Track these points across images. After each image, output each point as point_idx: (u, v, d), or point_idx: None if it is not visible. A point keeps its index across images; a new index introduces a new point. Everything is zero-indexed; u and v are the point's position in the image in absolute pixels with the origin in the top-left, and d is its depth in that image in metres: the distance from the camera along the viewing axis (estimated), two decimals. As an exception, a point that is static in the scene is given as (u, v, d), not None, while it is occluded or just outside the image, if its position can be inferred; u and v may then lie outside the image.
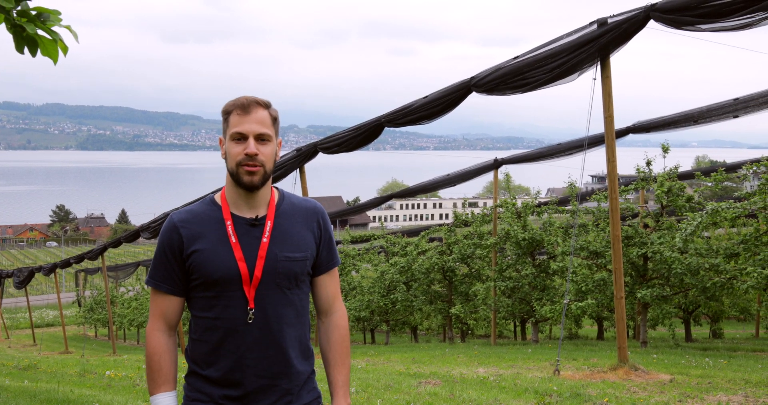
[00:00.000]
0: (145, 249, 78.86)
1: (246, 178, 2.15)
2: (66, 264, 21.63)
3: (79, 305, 35.05)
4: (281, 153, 2.26)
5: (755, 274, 8.14)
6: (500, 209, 12.13)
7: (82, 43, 3.09)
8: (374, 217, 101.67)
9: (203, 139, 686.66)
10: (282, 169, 9.89)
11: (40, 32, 2.91)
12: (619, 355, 6.83)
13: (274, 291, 2.17)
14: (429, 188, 13.97)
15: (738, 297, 11.33)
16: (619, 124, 7.99)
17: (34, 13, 2.90)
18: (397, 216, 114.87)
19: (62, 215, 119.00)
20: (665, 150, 9.67)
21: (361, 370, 8.12)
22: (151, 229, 13.02)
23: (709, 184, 9.53)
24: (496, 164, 11.80)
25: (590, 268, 10.77)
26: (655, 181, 10.03)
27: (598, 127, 7.87)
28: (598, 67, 6.51)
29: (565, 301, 7.62)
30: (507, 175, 12.35)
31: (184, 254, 2.17)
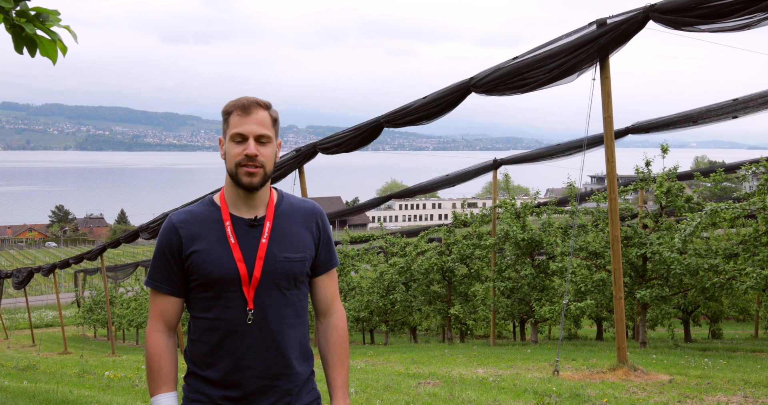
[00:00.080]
0: (144, 249, 78.83)
1: (245, 180, 2.14)
2: (65, 264, 21.61)
3: (78, 306, 35.01)
4: (280, 154, 2.26)
5: (754, 275, 8.14)
6: (499, 210, 12.13)
7: (81, 43, 3.09)
8: (373, 218, 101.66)
9: (202, 139, 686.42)
10: (281, 170, 9.89)
11: (39, 32, 2.91)
12: (619, 356, 6.83)
13: (273, 292, 2.17)
14: (428, 189, 13.98)
15: (737, 297, 11.33)
16: (618, 124, 7.99)
17: (33, 13, 2.90)
18: (396, 216, 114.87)
19: (61, 215, 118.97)
20: (664, 150, 9.68)
21: (361, 371, 8.12)
22: (150, 229, 13.02)
23: (708, 185, 9.54)
24: (495, 165, 11.80)
25: (589, 269, 10.77)
26: (654, 182, 10.04)
27: (597, 128, 7.86)
28: (598, 67, 6.51)
29: (564, 302, 7.62)
30: (506, 175, 12.35)
31: (183, 255, 2.17)
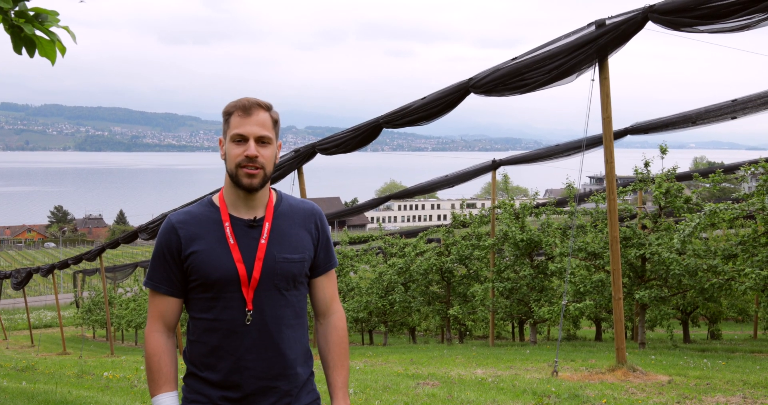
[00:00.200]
0: (144, 250, 78.76)
1: (245, 181, 2.14)
2: (64, 265, 21.60)
3: (77, 306, 34.99)
4: (280, 154, 2.26)
5: (753, 275, 8.14)
6: (498, 210, 12.14)
7: (80, 43, 3.09)
8: (372, 218, 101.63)
9: (201, 139, 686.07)
10: (280, 170, 9.88)
11: (38, 33, 2.91)
12: (618, 356, 6.83)
13: (272, 292, 2.17)
14: (427, 189, 13.97)
15: (736, 298, 11.33)
16: (617, 125, 7.99)
17: (32, 13, 2.89)
18: (395, 217, 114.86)
19: (60, 216, 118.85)
20: (663, 151, 9.68)
21: (360, 371, 8.12)
22: (149, 230, 13.01)
23: (707, 186, 9.54)
24: (494, 165, 11.80)
25: (588, 269, 10.77)
26: (653, 182, 10.04)
27: (596, 129, 7.87)
28: (597, 68, 6.51)
29: (563, 302, 7.62)
30: (505, 176, 12.35)
31: (183, 255, 2.16)
